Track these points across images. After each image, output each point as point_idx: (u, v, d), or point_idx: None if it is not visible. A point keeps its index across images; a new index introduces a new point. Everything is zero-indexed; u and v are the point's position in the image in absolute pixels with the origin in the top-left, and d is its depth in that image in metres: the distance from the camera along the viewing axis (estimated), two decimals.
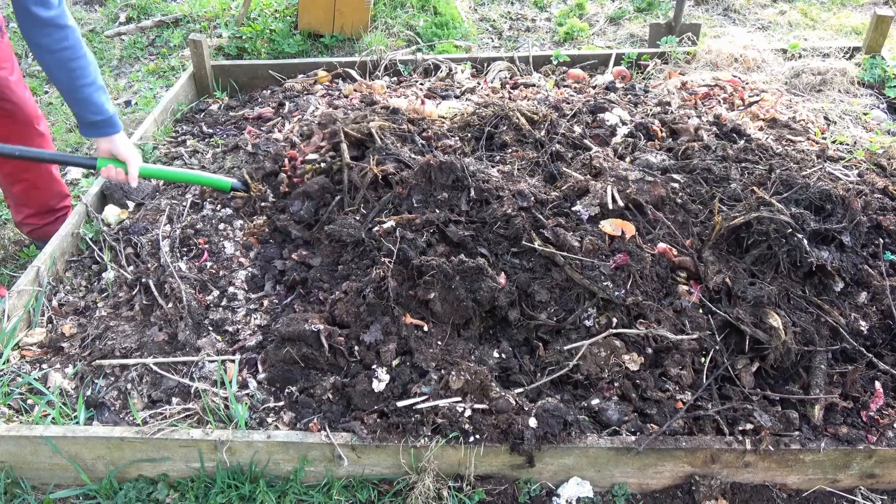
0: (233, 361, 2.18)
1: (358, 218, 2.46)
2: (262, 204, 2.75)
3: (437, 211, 2.39)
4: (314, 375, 2.10)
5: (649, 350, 2.11)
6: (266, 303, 2.40)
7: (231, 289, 2.44)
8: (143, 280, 2.47)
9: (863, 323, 2.17)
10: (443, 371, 2.01)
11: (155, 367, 2.18)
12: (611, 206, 2.36)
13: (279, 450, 1.91)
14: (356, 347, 2.11)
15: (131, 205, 2.94)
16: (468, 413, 1.91)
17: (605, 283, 2.14)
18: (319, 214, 2.58)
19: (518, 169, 2.65)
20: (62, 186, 3.07)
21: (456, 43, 4.82)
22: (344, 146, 2.67)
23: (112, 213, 2.89)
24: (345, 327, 2.16)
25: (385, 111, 3.04)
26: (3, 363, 2.24)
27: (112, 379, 2.20)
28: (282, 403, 2.07)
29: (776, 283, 2.21)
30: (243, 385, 2.12)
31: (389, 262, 2.21)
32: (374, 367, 2.04)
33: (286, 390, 2.10)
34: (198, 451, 1.92)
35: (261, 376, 2.14)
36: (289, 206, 2.64)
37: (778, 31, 5.17)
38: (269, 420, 2.03)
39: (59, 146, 3.98)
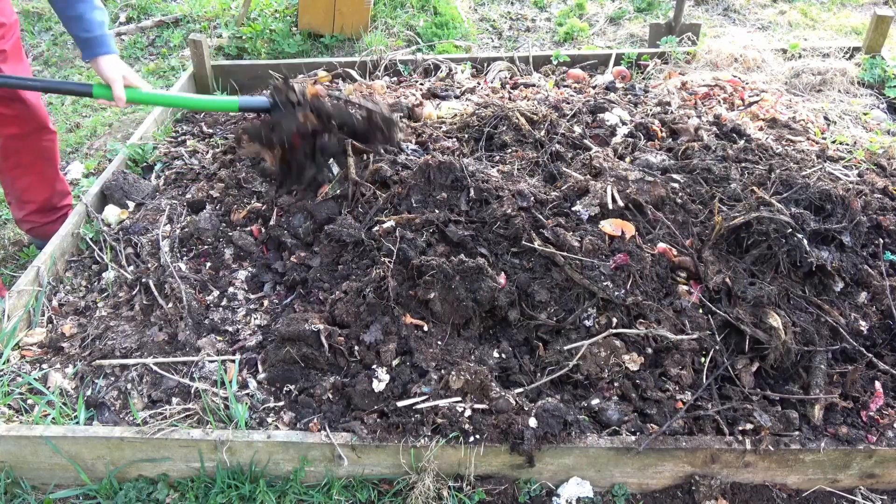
0: (233, 361, 2.18)
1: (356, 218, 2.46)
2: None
3: (437, 211, 2.39)
4: (314, 375, 2.10)
5: (649, 350, 2.11)
6: (266, 303, 2.40)
7: (231, 289, 2.44)
8: (143, 280, 2.47)
9: (863, 323, 2.17)
10: (443, 371, 2.01)
11: (155, 367, 2.18)
12: (611, 206, 2.36)
13: (279, 450, 1.91)
14: (356, 347, 2.11)
15: (131, 205, 2.94)
16: (468, 413, 1.91)
17: (605, 283, 2.14)
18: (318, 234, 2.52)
19: (518, 169, 2.66)
20: (65, 185, 3.08)
21: (456, 43, 4.82)
22: (350, 160, 2.63)
23: (112, 213, 2.89)
24: (345, 327, 2.16)
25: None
26: (3, 363, 2.24)
27: (112, 379, 2.20)
28: (282, 403, 2.07)
29: (776, 283, 2.21)
30: (243, 385, 2.12)
31: (389, 261, 2.21)
32: (374, 366, 2.04)
33: (286, 390, 2.10)
34: (198, 451, 1.92)
35: (261, 376, 2.14)
36: (289, 219, 2.59)
37: (778, 31, 5.17)
38: (269, 420, 2.03)
39: (60, 146, 3.97)
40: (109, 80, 2.30)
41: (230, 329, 2.31)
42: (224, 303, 2.40)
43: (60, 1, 2.21)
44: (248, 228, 2.65)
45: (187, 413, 2.06)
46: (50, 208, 3.02)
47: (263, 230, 2.62)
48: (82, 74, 4.73)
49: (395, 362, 2.07)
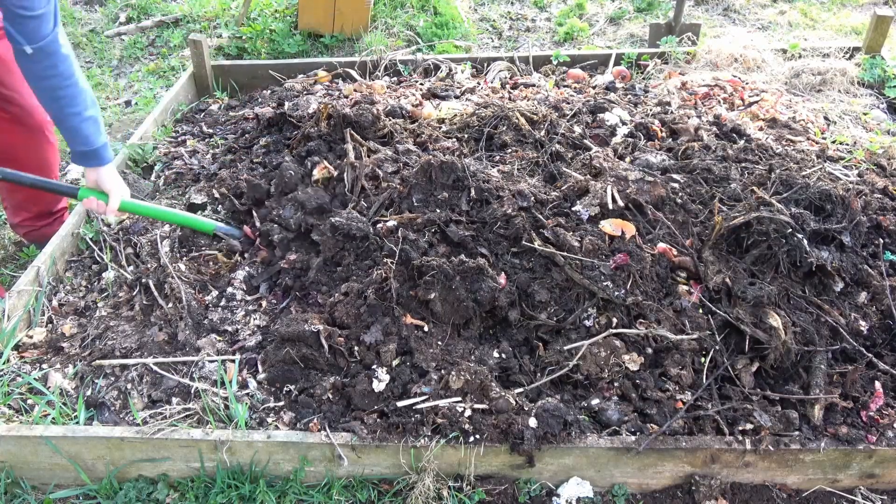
0: (233, 361, 2.18)
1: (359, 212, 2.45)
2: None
3: (438, 211, 2.39)
4: (314, 376, 2.09)
5: (649, 350, 2.11)
6: (265, 303, 2.40)
7: (230, 289, 2.44)
8: (143, 280, 2.47)
9: (863, 323, 2.17)
10: (443, 371, 2.01)
11: (155, 367, 2.18)
12: (611, 206, 2.36)
13: (279, 450, 1.91)
14: (356, 347, 2.11)
15: None
16: (468, 413, 1.91)
17: (605, 283, 2.14)
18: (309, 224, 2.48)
19: (518, 169, 2.66)
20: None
21: (456, 43, 4.82)
22: (349, 146, 2.64)
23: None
24: (345, 328, 2.16)
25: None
26: (3, 363, 2.24)
27: (112, 379, 2.20)
28: (282, 403, 2.07)
29: (776, 283, 2.21)
30: (243, 385, 2.12)
31: (391, 262, 2.21)
32: (374, 367, 2.04)
33: (286, 390, 2.10)
34: (198, 451, 1.92)
35: (261, 376, 2.14)
36: (278, 209, 2.56)
37: (778, 31, 5.17)
38: (270, 420, 2.03)
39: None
40: (108, 191, 2.34)
41: (229, 329, 2.31)
42: (223, 303, 2.40)
43: (53, 111, 2.16)
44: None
45: (187, 413, 2.06)
46: (46, 214, 3.01)
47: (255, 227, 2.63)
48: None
49: (395, 362, 2.07)
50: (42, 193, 2.92)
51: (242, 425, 1.96)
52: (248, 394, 2.10)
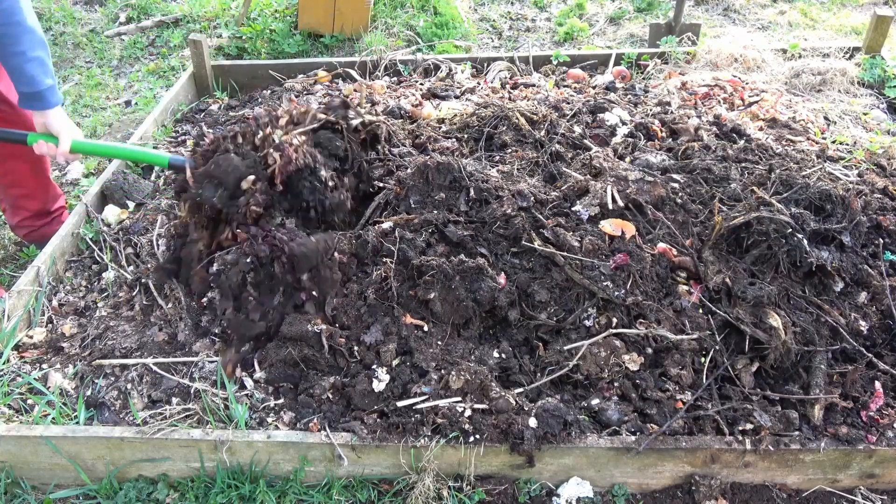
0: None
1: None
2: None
3: (436, 212, 2.38)
4: (314, 375, 2.09)
5: (649, 350, 2.10)
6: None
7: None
8: (143, 280, 2.47)
9: (863, 323, 2.17)
10: (443, 371, 2.01)
11: (155, 368, 2.18)
12: (611, 206, 2.36)
13: (279, 450, 1.91)
14: (356, 347, 2.11)
15: (131, 205, 2.94)
16: (468, 413, 1.91)
17: (605, 283, 2.14)
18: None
19: (518, 169, 2.65)
20: (56, 189, 3.06)
21: (456, 43, 4.82)
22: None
23: (112, 213, 2.89)
24: (345, 328, 2.16)
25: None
26: (3, 363, 2.24)
27: (112, 379, 2.20)
28: (281, 403, 2.07)
29: (776, 283, 2.21)
30: (243, 385, 2.12)
31: (391, 262, 2.21)
32: (374, 366, 2.04)
33: (286, 390, 2.10)
34: (198, 451, 1.92)
35: (261, 376, 2.13)
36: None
37: (778, 31, 5.17)
38: (269, 420, 2.03)
39: None
40: (56, 133, 2.25)
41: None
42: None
43: None
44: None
45: (187, 413, 2.06)
46: (44, 213, 3.01)
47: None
48: (82, 74, 4.73)
49: (395, 362, 2.07)
50: (36, 190, 2.91)
51: (242, 425, 1.96)
52: (247, 394, 2.10)
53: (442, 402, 1.93)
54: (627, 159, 2.71)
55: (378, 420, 1.94)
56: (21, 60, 2.13)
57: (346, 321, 2.16)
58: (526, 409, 1.93)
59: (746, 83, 3.64)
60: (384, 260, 2.24)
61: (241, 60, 4.62)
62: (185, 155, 2.46)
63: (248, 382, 2.12)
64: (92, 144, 2.42)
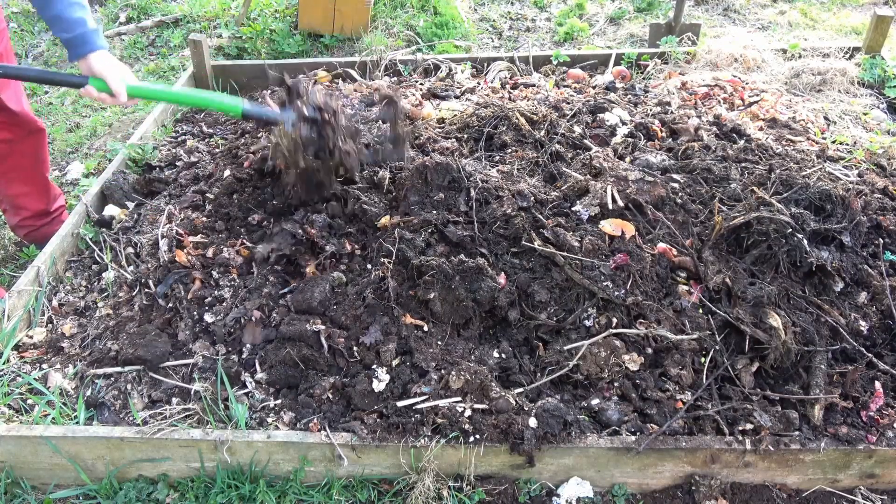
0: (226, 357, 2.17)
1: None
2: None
3: (435, 212, 2.38)
4: (313, 376, 2.09)
5: (649, 350, 2.10)
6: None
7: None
8: (143, 280, 2.47)
9: (863, 323, 2.17)
10: (443, 371, 2.01)
11: (153, 374, 2.18)
12: (611, 206, 2.36)
13: (279, 450, 1.91)
14: (355, 348, 2.11)
15: (131, 205, 2.94)
16: (468, 413, 1.91)
17: (605, 283, 2.14)
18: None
19: (518, 169, 2.65)
20: (56, 189, 3.08)
21: (456, 43, 4.82)
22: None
23: (112, 212, 2.89)
24: (344, 328, 2.16)
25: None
26: (3, 363, 2.24)
27: (112, 379, 2.20)
28: (281, 402, 2.07)
29: (776, 283, 2.21)
30: (242, 385, 2.12)
31: (389, 262, 2.21)
32: (374, 367, 2.04)
33: (286, 390, 2.10)
34: (198, 451, 1.92)
35: (261, 376, 2.14)
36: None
37: (778, 31, 5.17)
38: (269, 420, 2.03)
39: (59, 146, 3.98)
40: (102, 76, 2.15)
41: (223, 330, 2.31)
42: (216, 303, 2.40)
43: (37, 1, 2.09)
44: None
45: (187, 413, 2.06)
46: (44, 213, 3.01)
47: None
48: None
49: (395, 362, 2.07)
50: (36, 190, 2.91)
51: (243, 425, 1.96)
52: (246, 393, 2.10)
53: (442, 402, 1.93)
54: (627, 159, 2.71)
55: (378, 420, 1.94)
56: (62, 7, 2.09)
57: (344, 321, 2.16)
58: (526, 409, 1.93)
59: (746, 83, 3.64)
60: (382, 260, 2.24)
61: (241, 60, 4.62)
62: (271, 105, 2.45)
63: (251, 382, 2.12)
64: (151, 89, 2.29)
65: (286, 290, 2.33)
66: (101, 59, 2.16)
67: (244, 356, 2.21)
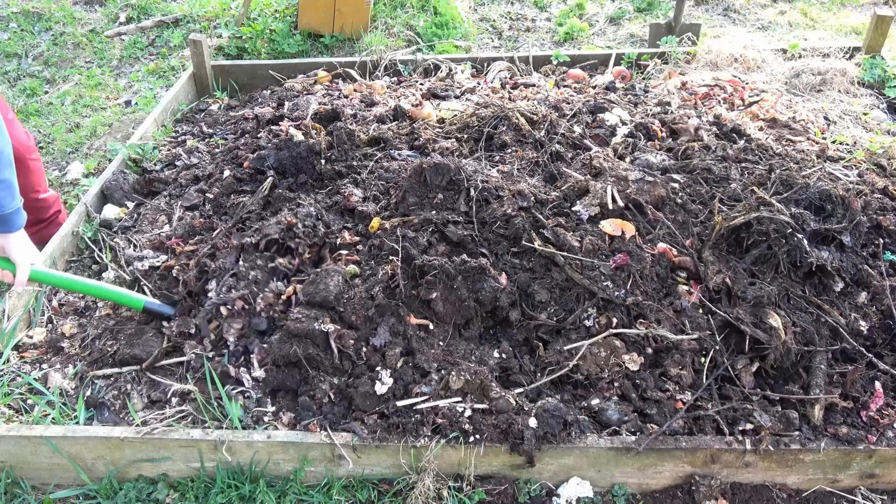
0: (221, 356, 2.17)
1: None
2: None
3: (434, 212, 2.38)
4: (314, 377, 2.07)
5: (649, 350, 2.10)
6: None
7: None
8: (141, 285, 2.47)
9: (863, 323, 2.16)
10: (443, 371, 2.01)
11: (150, 375, 2.18)
12: (611, 206, 2.36)
13: (279, 450, 1.91)
14: (363, 349, 2.09)
15: (131, 205, 2.94)
16: (468, 413, 1.91)
17: (605, 283, 2.14)
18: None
19: (518, 169, 2.65)
20: (46, 201, 2.99)
21: (456, 43, 4.82)
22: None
23: (112, 212, 2.89)
24: (353, 328, 2.13)
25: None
26: (3, 363, 2.24)
27: (112, 379, 2.20)
28: (280, 403, 2.06)
29: (776, 283, 2.21)
30: (238, 381, 2.12)
31: (397, 259, 2.20)
32: (378, 368, 2.03)
33: (288, 390, 2.09)
34: (198, 451, 1.92)
35: (258, 373, 2.12)
36: None
37: (778, 31, 5.17)
38: (266, 420, 2.02)
39: (59, 146, 3.98)
40: (14, 260, 2.07)
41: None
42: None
43: None
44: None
45: (182, 414, 2.06)
46: (37, 221, 2.96)
47: None
48: (82, 74, 4.73)
49: (399, 364, 2.06)
50: (28, 201, 2.82)
51: (236, 423, 1.96)
52: (243, 392, 2.09)
53: (442, 403, 1.93)
54: (627, 159, 2.71)
55: (378, 420, 1.94)
56: None
57: (355, 320, 2.13)
58: (526, 409, 1.93)
59: (746, 83, 3.64)
60: (390, 258, 2.23)
61: (241, 60, 4.62)
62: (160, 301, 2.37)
63: (246, 380, 2.11)
64: (55, 276, 2.23)
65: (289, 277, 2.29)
66: (18, 243, 2.09)
67: (232, 349, 2.17)
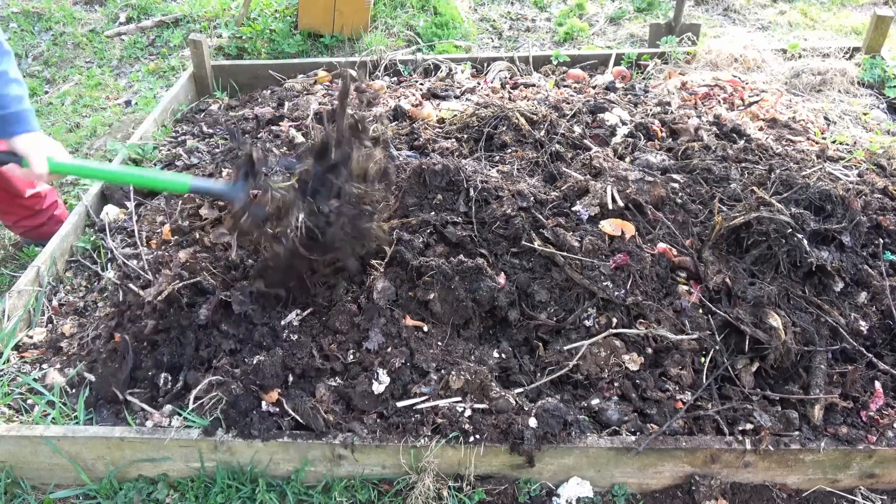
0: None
1: None
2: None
3: (433, 213, 2.38)
4: (313, 378, 2.08)
5: (649, 350, 2.10)
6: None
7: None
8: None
9: (863, 323, 2.16)
10: (443, 371, 2.01)
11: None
12: (611, 206, 2.36)
13: (279, 450, 1.91)
14: (357, 353, 2.08)
15: (131, 205, 2.94)
16: (468, 413, 1.91)
17: (605, 283, 2.14)
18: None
19: (518, 169, 2.65)
20: (38, 196, 2.95)
21: (456, 43, 4.82)
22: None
23: (112, 212, 2.89)
24: (341, 333, 2.14)
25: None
26: (3, 363, 2.24)
27: None
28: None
29: (776, 283, 2.21)
30: None
31: (380, 264, 2.20)
32: (374, 368, 2.03)
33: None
34: (197, 451, 1.92)
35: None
36: None
37: (778, 31, 5.17)
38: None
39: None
40: (25, 154, 2.06)
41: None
42: None
43: None
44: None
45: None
46: (36, 213, 2.96)
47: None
48: (82, 74, 4.73)
49: (396, 364, 2.06)
50: (11, 196, 2.82)
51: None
52: None
53: (442, 403, 1.93)
54: (627, 159, 2.71)
55: (378, 420, 1.94)
56: (3, 81, 2.03)
57: (341, 327, 2.13)
58: (526, 409, 1.93)
59: (746, 83, 3.64)
60: (373, 262, 2.22)
61: (241, 60, 4.62)
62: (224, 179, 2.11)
63: None
64: (75, 165, 2.13)
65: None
66: (30, 140, 2.08)
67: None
